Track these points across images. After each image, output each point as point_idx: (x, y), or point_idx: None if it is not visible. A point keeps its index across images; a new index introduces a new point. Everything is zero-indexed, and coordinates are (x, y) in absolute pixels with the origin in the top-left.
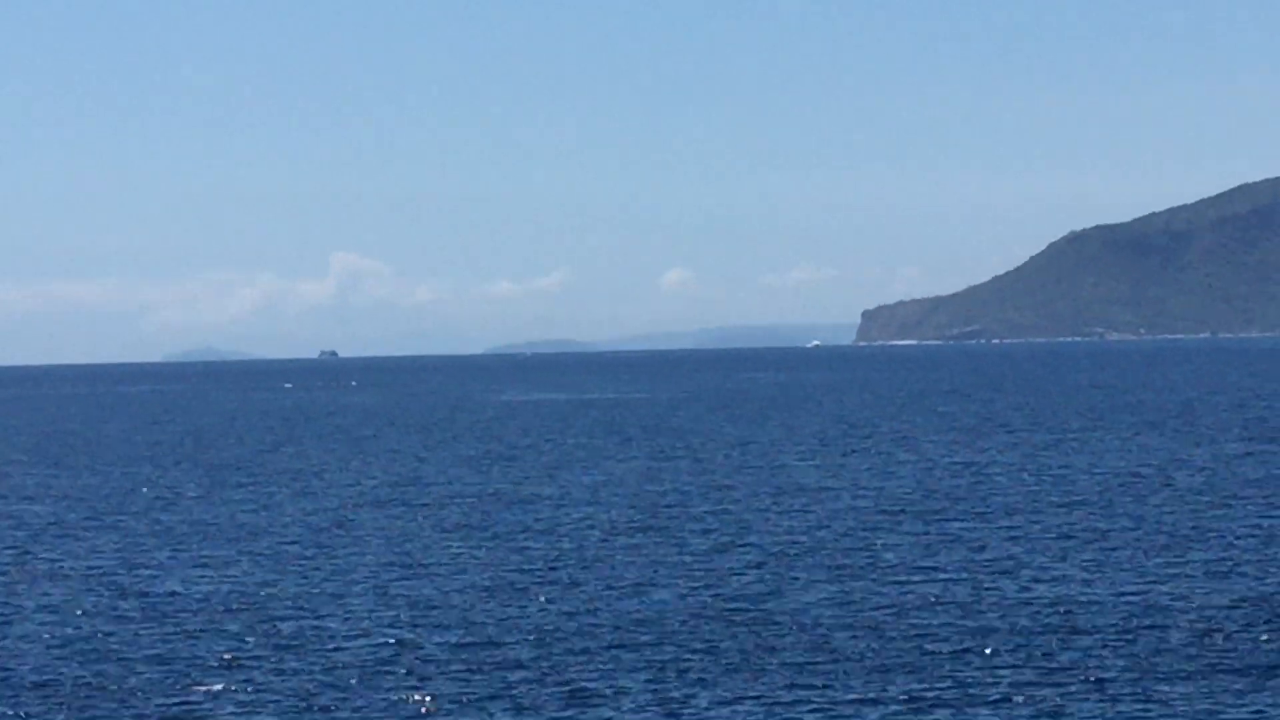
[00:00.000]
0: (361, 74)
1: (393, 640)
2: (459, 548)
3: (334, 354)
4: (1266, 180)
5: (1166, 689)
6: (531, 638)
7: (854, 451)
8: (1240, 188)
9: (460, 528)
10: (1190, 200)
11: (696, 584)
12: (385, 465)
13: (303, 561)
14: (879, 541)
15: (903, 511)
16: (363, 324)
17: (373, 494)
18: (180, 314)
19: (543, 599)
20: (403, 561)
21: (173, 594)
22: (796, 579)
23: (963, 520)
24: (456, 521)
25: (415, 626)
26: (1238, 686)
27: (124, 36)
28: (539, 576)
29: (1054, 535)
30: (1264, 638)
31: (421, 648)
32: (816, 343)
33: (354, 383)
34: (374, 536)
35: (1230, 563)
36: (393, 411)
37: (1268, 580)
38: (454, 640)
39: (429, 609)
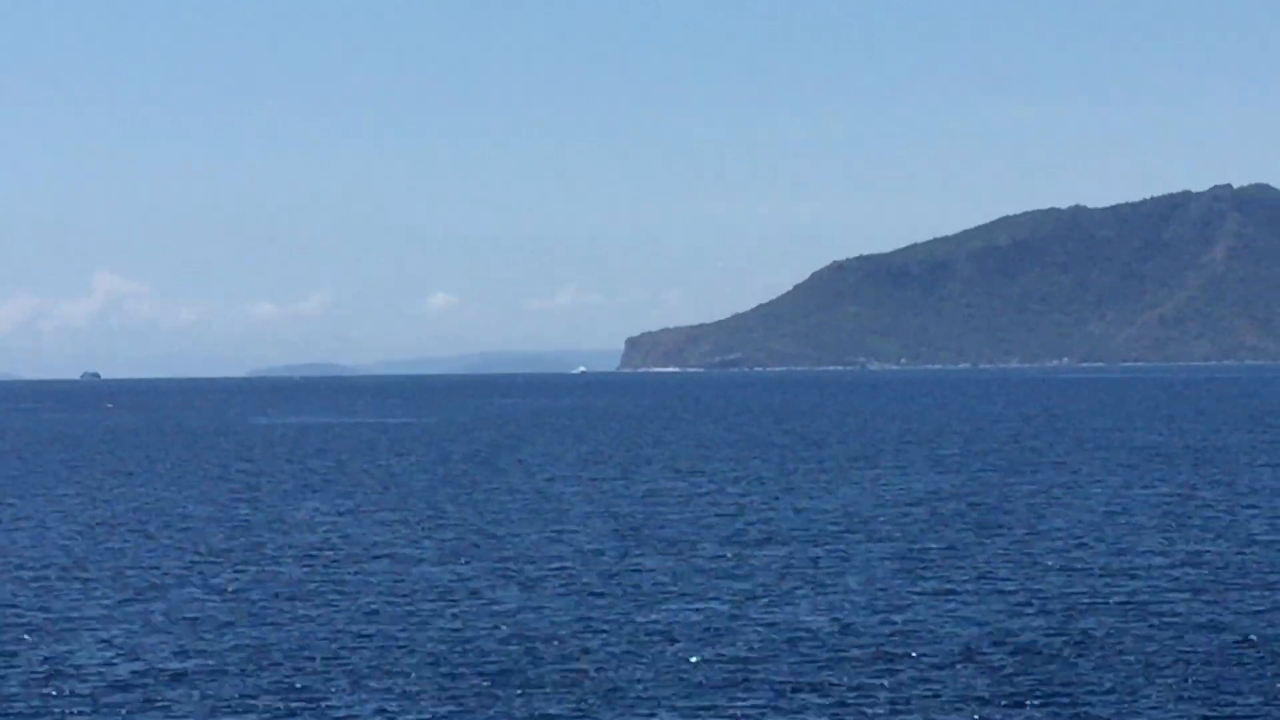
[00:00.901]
0: (124, 92)
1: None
2: (190, 572)
3: (96, 375)
4: (1026, 213)
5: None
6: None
7: (615, 479)
8: (1000, 220)
9: (191, 551)
10: (952, 232)
11: (435, 603)
12: (119, 489)
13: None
14: (631, 566)
15: (661, 541)
16: (125, 345)
17: (103, 519)
18: None
19: (278, 620)
20: (133, 586)
21: None
22: (544, 605)
23: (715, 547)
24: (188, 545)
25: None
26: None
27: None
28: (271, 603)
29: (800, 563)
30: (1010, 669)
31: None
32: (582, 369)
33: (109, 405)
34: (106, 561)
35: (979, 591)
36: (145, 434)
37: (1021, 608)
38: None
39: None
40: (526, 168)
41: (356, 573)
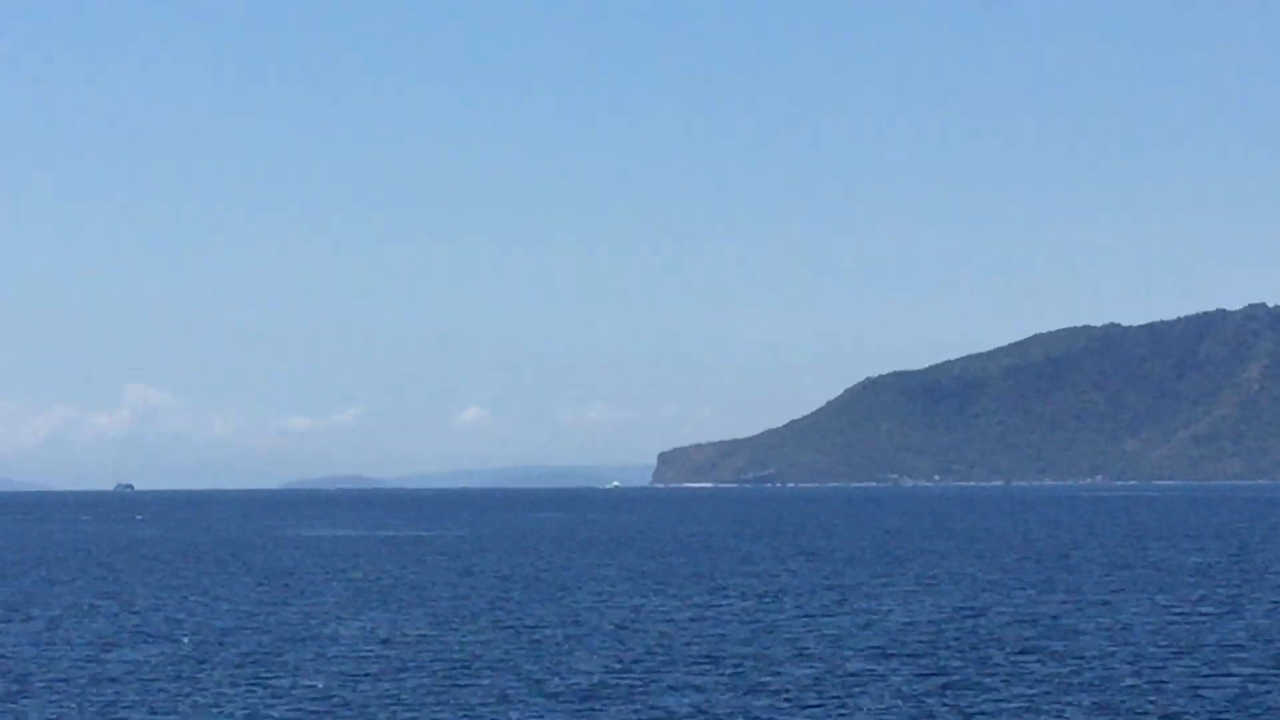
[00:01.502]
0: (156, 203)
1: None
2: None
3: (130, 486)
4: (1060, 330)
5: None
6: None
7: (651, 593)
8: (1034, 337)
9: (230, 664)
10: (985, 349)
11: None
12: (156, 597)
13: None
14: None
15: (715, 656)
16: (157, 457)
17: (137, 627)
18: None
19: None
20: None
21: None
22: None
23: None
24: (225, 658)
25: None
26: None
27: None
28: None
29: (830, 683)
30: None
31: None
32: (616, 483)
33: (140, 517)
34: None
35: None
36: (178, 544)
37: None
38: None
39: None
40: (559, 282)
41: (389, 687)
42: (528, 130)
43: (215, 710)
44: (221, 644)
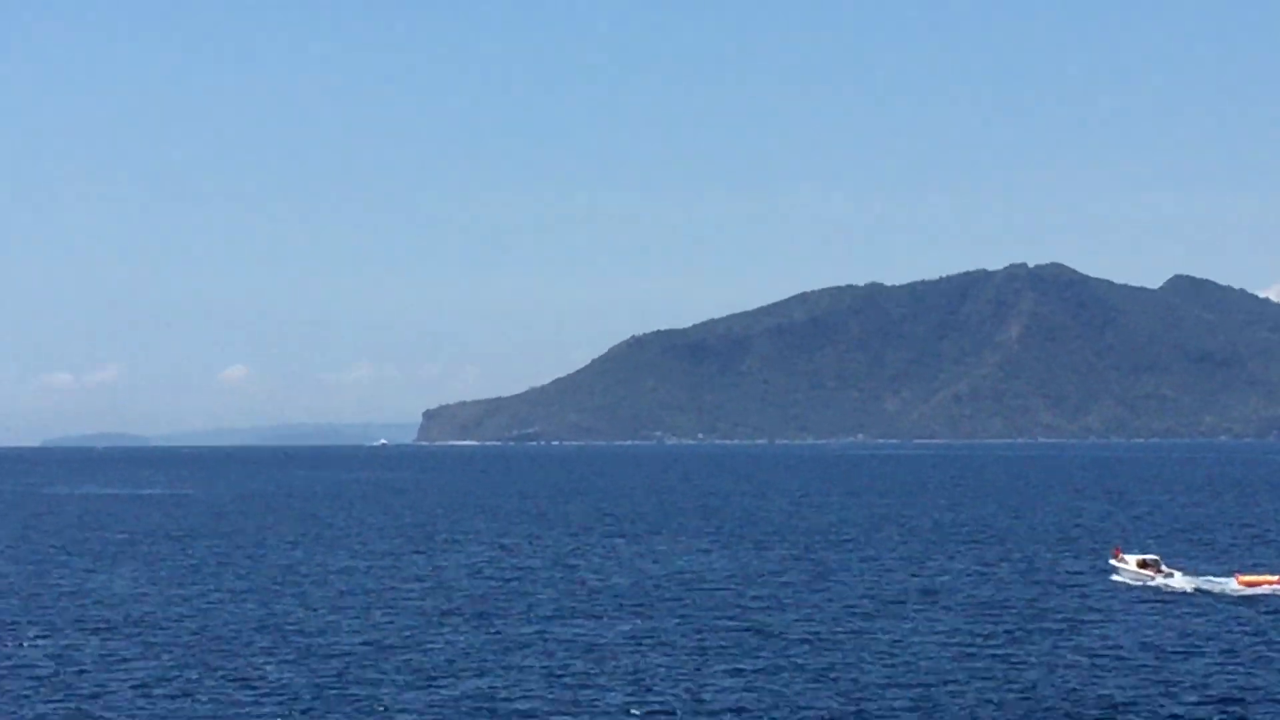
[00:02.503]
0: None
1: None
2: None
3: None
4: (823, 290)
5: None
6: None
7: (415, 552)
8: (797, 296)
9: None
10: (749, 308)
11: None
12: None
13: None
14: (443, 642)
15: (470, 612)
16: None
17: None
18: None
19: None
20: None
21: None
22: (371, 677)
23: (505, 619)
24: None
25: None
26: None
27: None
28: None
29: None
30: None
31: None
32: (383, 441)
33: None
34: None
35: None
36: None
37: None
38: None
39: None
40: (322, 241)
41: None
42: (284, 92)
43: None
44: None
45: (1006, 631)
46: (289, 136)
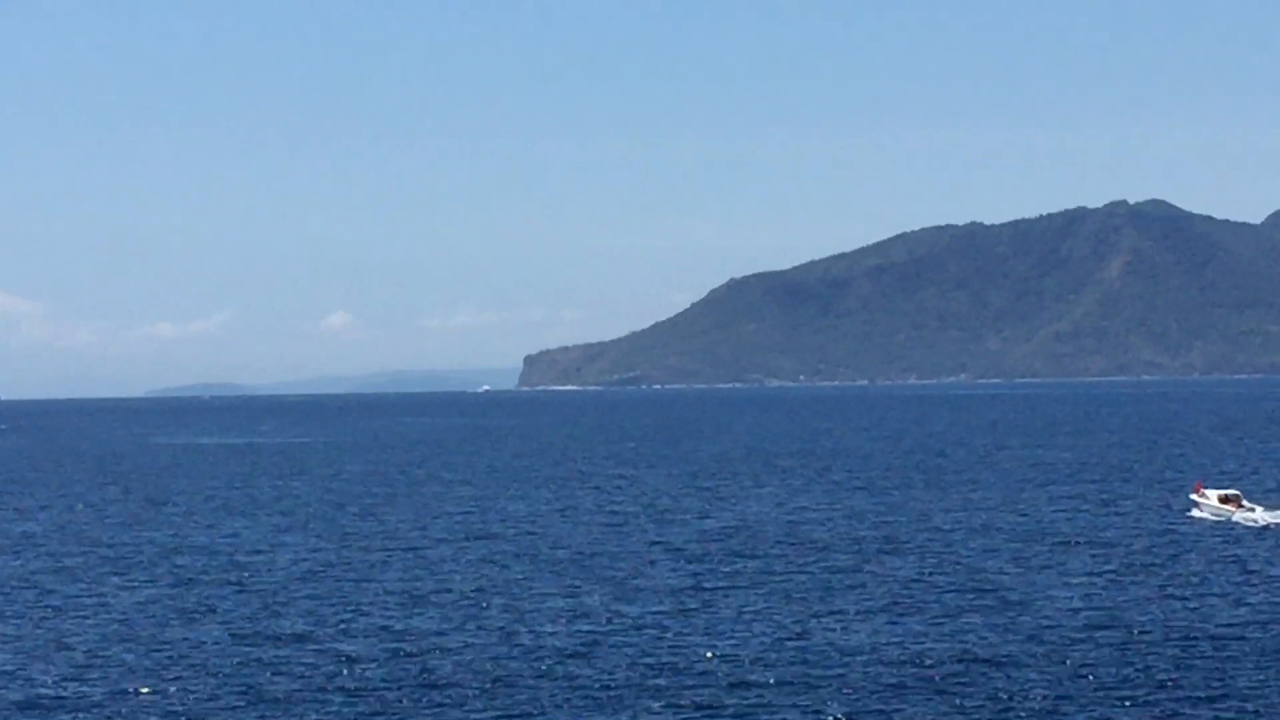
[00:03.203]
0: (21, 113)
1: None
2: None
3: None
4: (923, 229)
5: None
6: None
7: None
8: (897, 237)
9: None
10: (849, 249)
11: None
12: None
13: None
14: (546, 588)
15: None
16: (20, 365)
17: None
18: None
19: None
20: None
21: None
22: (473, 622)
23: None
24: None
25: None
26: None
27: None
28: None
29: (718, 580)
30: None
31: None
32: (486, 388)
33: (1, 425)
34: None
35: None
36: (42, 456)
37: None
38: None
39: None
40: (421, 188)
41: (237, 587)
42: (394, 36)
43: (84, 613)
44: (94, 552)
45: (1109, 571)
46: (388, 85)
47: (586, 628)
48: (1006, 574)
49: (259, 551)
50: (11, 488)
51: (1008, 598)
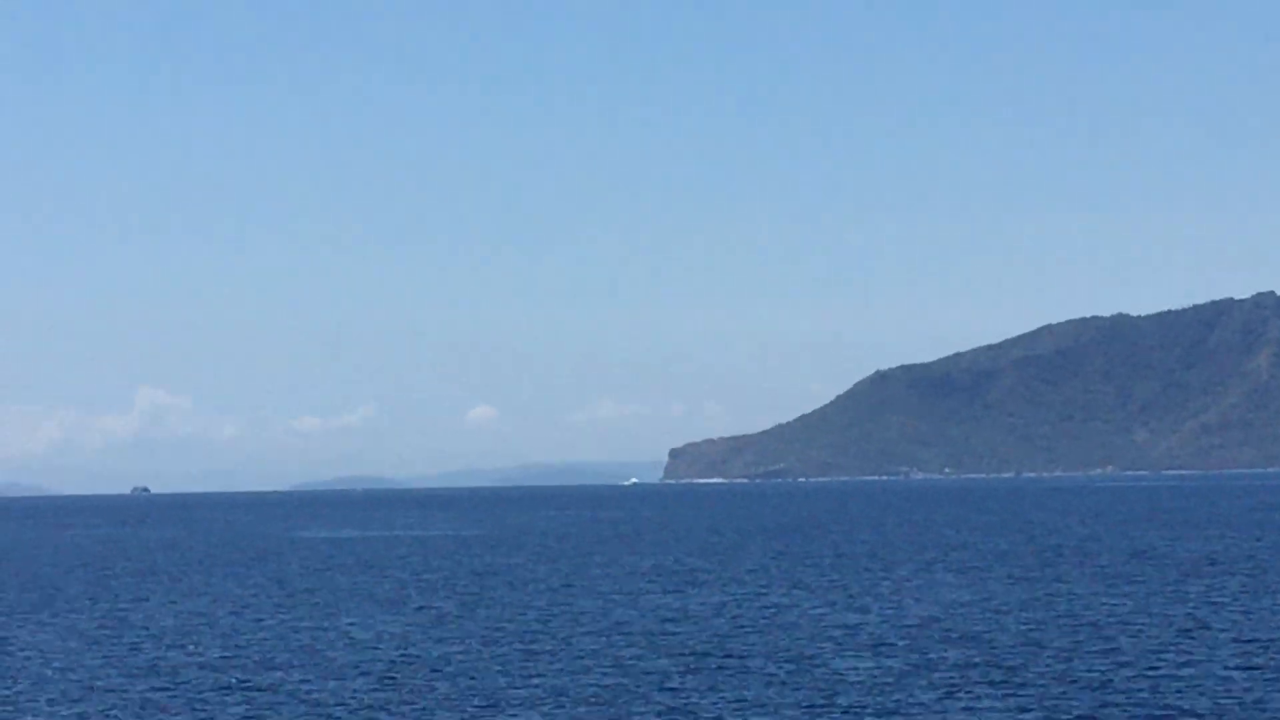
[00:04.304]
0: (163, 206)
1: None
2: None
3: (146, 490)
4: (1069, 321)
5: None
6: None
7: (689, 587)
8: (1042, 329)
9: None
10: (994, 340)
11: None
12: (159, 604)
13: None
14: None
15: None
16: (167, 459)
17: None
18: None
19: None
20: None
21: None
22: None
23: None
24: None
25: None
26: None
27: None
28: None
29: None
30: None
31: None
32: (634, 480)
33: (150, 518)
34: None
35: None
36: (187, 549)
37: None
38: None
39: None
40: (565, 281)
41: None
42: (532, 132)
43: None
44: (240, 652)
45: None
46: (533, 180)
47: None
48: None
49: (397, 643)
50: (159, 579)
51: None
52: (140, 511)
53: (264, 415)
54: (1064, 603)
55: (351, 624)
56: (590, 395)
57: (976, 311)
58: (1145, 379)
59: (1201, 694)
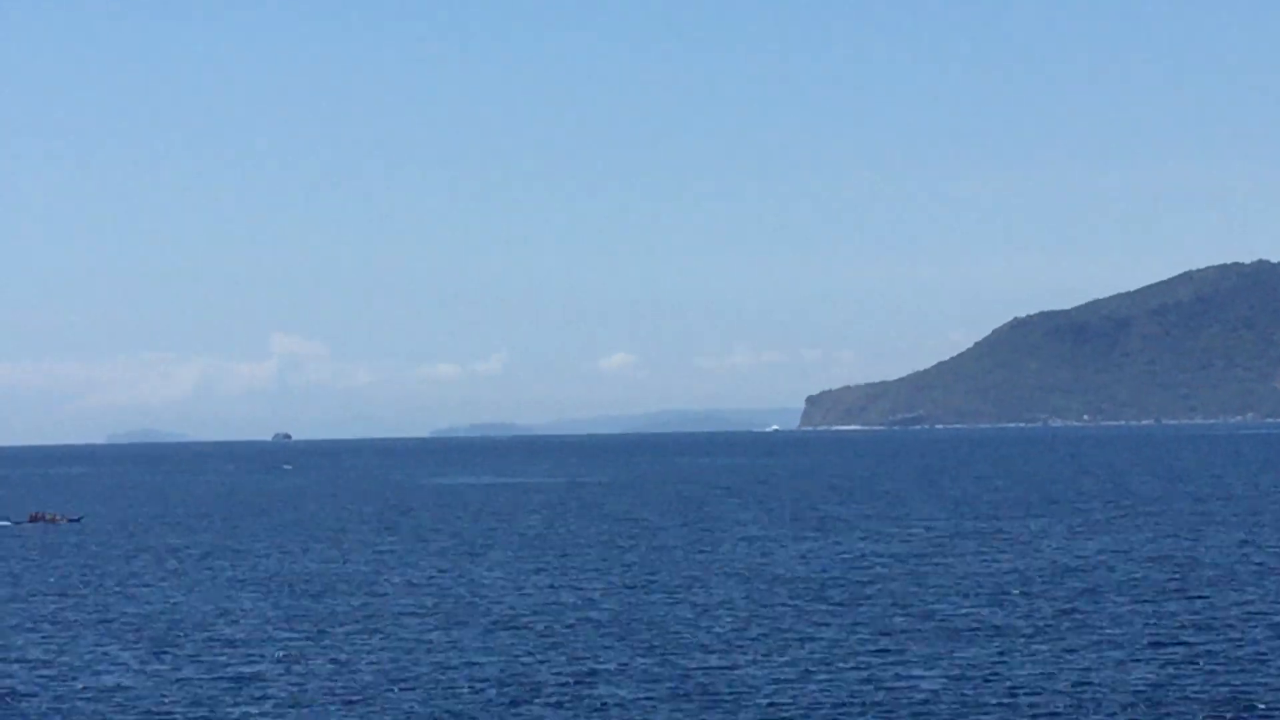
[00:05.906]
0: (299, 155)
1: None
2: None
3: (288, 436)
4: (1209, 268)
5: None
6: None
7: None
8: (1183, 275)
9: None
10: (1133, 287)
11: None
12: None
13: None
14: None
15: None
16: (304, 406)
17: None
18: (118, 395)
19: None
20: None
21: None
22: (761, 657)
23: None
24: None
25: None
26: None
27: (56, 108)
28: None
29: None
30: None
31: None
32: (775, 427)
33: (288, 466)
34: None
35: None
36: (341, 497)
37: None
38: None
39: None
40: (702, 227)
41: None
42: (668, 80)
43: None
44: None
45: None
46: (670, 129)
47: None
48: None
49: (525, 592)
50: (295, 528)
51: None
52: (288, 457)
53: (398, 362)
54: None
55: (517, 574)
56: (726, 342)
57: (1116, 258)
58: None
59: None
